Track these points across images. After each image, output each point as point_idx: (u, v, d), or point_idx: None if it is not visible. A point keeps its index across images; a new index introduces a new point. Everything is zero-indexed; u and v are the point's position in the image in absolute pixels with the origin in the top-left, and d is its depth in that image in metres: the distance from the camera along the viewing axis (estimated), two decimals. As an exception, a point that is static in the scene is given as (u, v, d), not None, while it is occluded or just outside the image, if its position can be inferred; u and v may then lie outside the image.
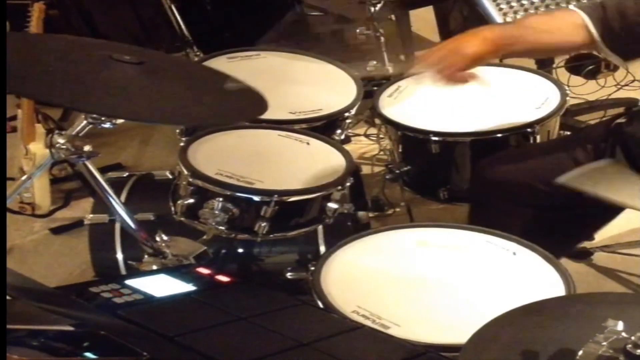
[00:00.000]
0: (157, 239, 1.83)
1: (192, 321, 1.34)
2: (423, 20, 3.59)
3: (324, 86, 2.37)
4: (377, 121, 2.43)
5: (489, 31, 1.85)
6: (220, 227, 1.84)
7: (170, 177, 2.16)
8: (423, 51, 1.86)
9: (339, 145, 2.08)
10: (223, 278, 1.56)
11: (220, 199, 1.83)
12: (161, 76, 1.66)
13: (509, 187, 1.98)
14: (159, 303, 1.41)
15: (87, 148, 1.69)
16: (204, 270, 1.60)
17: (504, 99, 2.25)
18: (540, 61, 3.03)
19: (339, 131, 2.22)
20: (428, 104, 2.28)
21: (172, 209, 1.94)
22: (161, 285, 1.48)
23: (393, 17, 3.59)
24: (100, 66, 1.56)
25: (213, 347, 1.23)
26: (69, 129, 1.72)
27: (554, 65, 3.09)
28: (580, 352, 1.02)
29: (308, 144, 2.07)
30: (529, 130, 2.09)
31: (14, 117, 3.00)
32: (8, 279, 1.16)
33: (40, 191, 2.81)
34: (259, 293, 1.58)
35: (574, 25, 1.81)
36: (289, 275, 1.82)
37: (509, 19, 2.37)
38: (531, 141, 2.09)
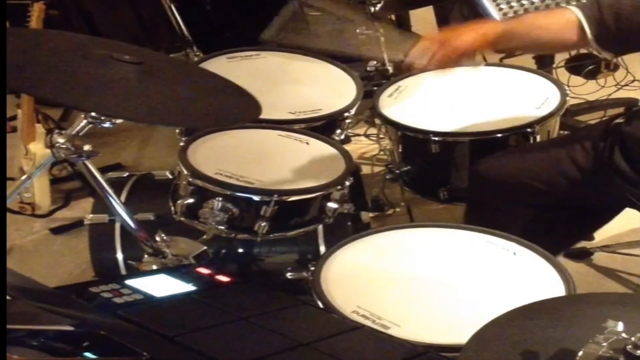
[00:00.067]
0: (157, 239, 1.84)
1: (192, 321, 1.34)
2: (423, 20, 3.59)
3: (324, 86, 2.37)
4: (377, 121, 2.43)
5: (488, 27, 1.88)
6: (220, 227, 1.84)
7: (170, 177, 2.16)
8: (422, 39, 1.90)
9: (338, 145, 2.08)
10: (223, 278, 1.56)
11: (220, 199, 1.83)
12: (161, 76, 1.66)
13: (507, 186, 1.98)
14: (159, 303, 1.41)
15: (87, 148, 1.69)
16: (204, 270, 1.60)
17: (504, 99, 2.25)
18: (540, 61, 3.04)
19: (338, 131, 2.22)
20: (428, 104, 2.28)
21: (172, 209, 1.94)
22: (161, 285, 1.48)
23: (393, 17, 3.59)
24: (100, 66, 1.56)
25: (213, 347, 1.23)
26: (69, 128, 1.72)
27: (554, 65, 3.10)
28: (580, 353, 1.02)
29: (308, 144, 2.07)
30: (529, 130, 2.09)
31: (14, 117, 3.00)
32: (8, 279, 1.15)
33: (40, 191, 2.81)
34: (259, 293, 1.58)
35: (569, 22, 1.82)
36: (289, 275, 1.82)
37: (509, 19, 2.37)
38: (531, 141, 2.09)
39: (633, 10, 1.77)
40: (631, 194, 1.87)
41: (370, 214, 2.50)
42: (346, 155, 2.02)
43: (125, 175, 2.27)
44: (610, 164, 1.87)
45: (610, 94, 3.21)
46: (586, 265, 2.52)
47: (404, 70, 2.19)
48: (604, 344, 1.02)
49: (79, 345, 1.09)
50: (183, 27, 2.99)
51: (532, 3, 2.44)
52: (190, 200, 1.87)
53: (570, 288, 1.55)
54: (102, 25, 3.35)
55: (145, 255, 1.83)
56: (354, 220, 2.10)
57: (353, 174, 1.99)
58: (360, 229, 2.03)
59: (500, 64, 2.58)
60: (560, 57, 3.12)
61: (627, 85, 3.24)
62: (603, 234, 2.50)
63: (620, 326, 1.04)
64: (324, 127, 2.19)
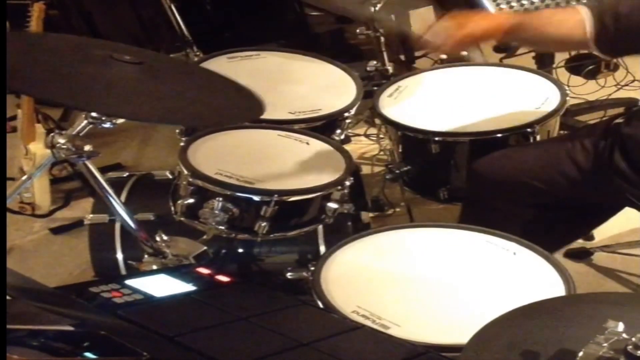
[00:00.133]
0: (157, 239, 1.83)
1: (192, 321, 1.34)
2: (423, 20, 3.59)
3: (324, 86, 2.37)
4: (377, 121, 2.43)
5: (504, 18, 1.92)
6: (220, 227, 1.84)
7: (170, 177, 2.16)
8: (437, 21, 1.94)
9: (338, 145, 2.08)
10: (223, 278, 1.56)
11: (220, 199, 1.83)
12: (161, 76, 1.65)
13: (507, 185, 1.98)
14: (159, 303, 1.41)
15: (87, 148, 1.69)
16: (204, 270, 1.60)
17: (504, 99, 2.25)
18: (540, 61, 3.04)
19: (338, 131, 2.22)
20: (428, 104, 2.28)
21: (172, 209, 1.94)
22: (161, 285, 1.48)
23: (393, 17, 3.59)
24: (100, 66, 1.56)
25: (213, 347, 1.23)
26: (69, 129, 1.72)
27: (554, 65, 3.10)
28: (580, 353, 1.02)
29: (308, 144, 2.07)
30: (529, 130, 2.09)
31: (14, 117, 3.00)
32: (8, 279, 1.16)
33: (40, 191, 2.81)
34: (259, 293, 1.58)
35: (578, 22, 1.82)
36: (289, 275, 1.82)
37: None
38: (531, 141, 2.09)
39: (631, 10, 1.77)
40: (631, 194, 1.87)
41: (370, 214, 2.50)
42: (346, 155, 2.02)
43: (125, 175, 2.27)
44: (610, 164, 1.87)
45: (610, 94, 3.21)
46: (586, 265, 2.52)
47: (419, 47, 2.19)
48: (605, 344, 1.02)
49: (79, 345, 1.09)
50: (183, 27, 2.99)
51: (532, 3, 2.44)
52: (191, 200, 1.87)
53: (570, 288, 1.55)
54: (102, 25, 3.35)
55: (145, 255, 1.83)
56: (354, 220, 2.10)
57: (353, 174, 1.99)
58: (360, 229, 2.03)
59: (500, 64, 2.58)
60: (560, 57, 3.12)
61: (627, 85, 3.24)
62: (603, 234, 2.50)
63: (620, 326, 1.04)
64: (324, 127, 2.19)
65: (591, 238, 2.56)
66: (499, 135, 2.11)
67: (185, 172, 1.87)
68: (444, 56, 2.44)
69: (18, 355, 1.01)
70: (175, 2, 3.00)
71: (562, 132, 2.28)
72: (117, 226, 2.11)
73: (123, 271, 2.10)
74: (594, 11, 1.82)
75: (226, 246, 2.04)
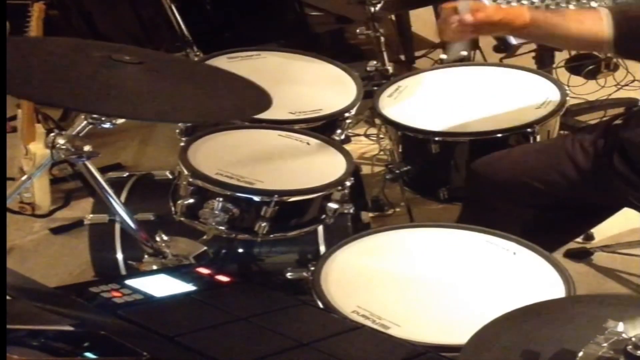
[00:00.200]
0: (157, 239, 1.84)
1: (192, 321, 1.34)
2: (423, 20, 3.59)
3: (324, 86, 2.37)
4: (377, 121, 2.43)
5: (524, 10, 1.93)
6: (220, 227, 1.84)
7: (170, 177, 2.16)
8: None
9: (339, 145, 2.08)
10: (223, 278, 1.56)
11: (221, 199, 1.83)
12: (161, 76, 1.66)
13: (506, 186, 1.98)
14: (159, 303, 1.41)
15: (87, 148, 1.69)
16: (204, 270, 1.60)
17: (504, 99, 2.25)
18: (540, 61, 3.04)
19: (339, 131, 2.22)
20: (428, 104, 2.29)
21: (172, 209, 1.94)
22: (161, 285, 1.48)
23: (393, 17, 3.59)
24: (100, 66, 1.56)
25: (213, 347, 1.23)
26: (69, 129, 1.72)
27: (554, 65, 3.10)
28: (580, 353, 1.02)
29: (308, 144, 2.07)
30: (529, 130, 2.09)
31: (14, 117, 3.00)
32: (8, 279, 1.16)
33: (40, 191, 2.81)
34: (259, 293, 1.58)
35: (598, 19, 1.84)
36: (289, 275, 1.82)
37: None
38: (531, 141, 2.09)
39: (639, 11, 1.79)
40: (632, 196, 1.87)
41: (370, 214, 2.50)
42: (346, 155, 2.02)
43: (125, 175, 2.27)
44: (610, 166, 1.87)
45: (610, 94, 3.21)
46: (586, 265, 2.52)
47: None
48: (604, 344, 1.02)
49: (79, 345, 1.09)
50: (183, 27, 2.99)
51: (532, 3, 2.44)
52: (191, 201, 1.87)
53: (570, 288, 1.55)
54: (102, 25, 3.35)
55: (145, 256, 1.83)
56: (354, 220, 2.10)
57: (353, 174, 1.99)
58: (360, 229, 2.03)
59: (500, 64, 2.58)
60: (560, 57, 3.12)
61: (627, 85, 3.24)
62: (603, 234, 2.51)
63: (620, 326, 1.04)
64: (324, 127, 2.19)
65: (591, 238, 2.56)
66: (499, 135, 2.11)
67: (186, 172, 1.87)
68: (443, 56, 2.44)
69: (18, 355, 1.01)
70: (175, 2, 3.00)
71: (562, 132, 2.28)
72: (117, 226, 2.11)
73: (123, 271, 2.10)
74: (612, 13, 1.83)
75: (226, 246, 2.04)
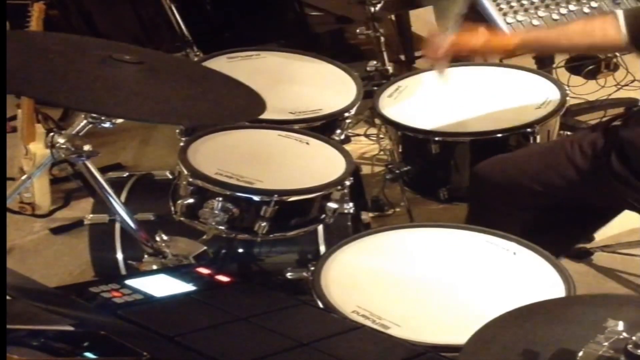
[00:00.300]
0: (157, 239, 1.83)
1: (192, 321, 1.34)
2: (423, 20, 3.59)
3: (324, 86, 2.37)
4: (377, 121, 2.43)
5: (507, 39, 2.05)
6: (220, 227, 1.84)
7: (170, 177, 2.16)
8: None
9: (338, 145, 2.08)
10: (223, 278, 1.56)
11: (220, 199, 1.83)
12: (161, 76, 1.65)
13: (507, 188, 1.98)
14: (159, 303, 1.41)
15: (87, 148, 1.69)
16: (204, 270, 1.60)
17: (504, 99, 2.25)
18: (540, 61, 3.04)
19: (338, 131, 2.22)
20: (428, 104, 2.29)
21: (172, 209, 1.94)
22: (161, 285, 1.48)
23: (393, 17, 3.59)
24: (100, 66, 1.56)
25: (213, 347, 1.23)
26: (69, 128, 1.72)
27: (554, 65, 3.10)
28: (580, 353, 1.02)
29: (308, 144, 2.07)
30: (529, 130, 2.09)
31: (14, 117, 3.01)
32: (8, 279, 1.15)
33: (40, 191, 2.81)
34: (259, 293, 1.58)
35: (609, 26, 1.87)
36: (289, 275, 1.82)
37: (509, 19, 2.38)
38: (531, 141, 2.09)
39: None
40: (631, 198, 1.87)
41: (370, 214, 2.50)
42: (346, 155, 2.02)
43: (125, 175, 2.27)
44: (609, 167, 1.87)
45: (610, 94, 3.21)
46: (586, 265, 2.52)
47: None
48: (605, 343, 1.02)
49: (79, 345, 1.09)
50: (183, 27, 2.99)
51: (532, 3, 2.44)
52: (191, 200, 1.87)
53: (570, 288, 1.55)
54: (102, 25, 3.35)
55: (145, 255, 1.83)
56: (354, 220, 2.09)
57: (353, 174, 1.99)
58: (360, 229, 2.03)
59: (500, 64, 2.58)
60: (560, 57, 3.12)
61: (627, 85, 3.24)
62: (603, 234, 2.50)
63: (620, 326, 1.04)
64: (324, 127, 2.19)
65: (591, 238, 2.56)
66: (499, 135, 2.11)
67: (185, 172, 1.87)
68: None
69: (18, 355, 1.01)
70: (175, 2, 3.00)
71: (562, 132, 2.28)
72: (117, 226, 2.11)
73: (123, 271, 2.10)
74: (628, 12, 1.84)
75: (226, 246, 2.04)
